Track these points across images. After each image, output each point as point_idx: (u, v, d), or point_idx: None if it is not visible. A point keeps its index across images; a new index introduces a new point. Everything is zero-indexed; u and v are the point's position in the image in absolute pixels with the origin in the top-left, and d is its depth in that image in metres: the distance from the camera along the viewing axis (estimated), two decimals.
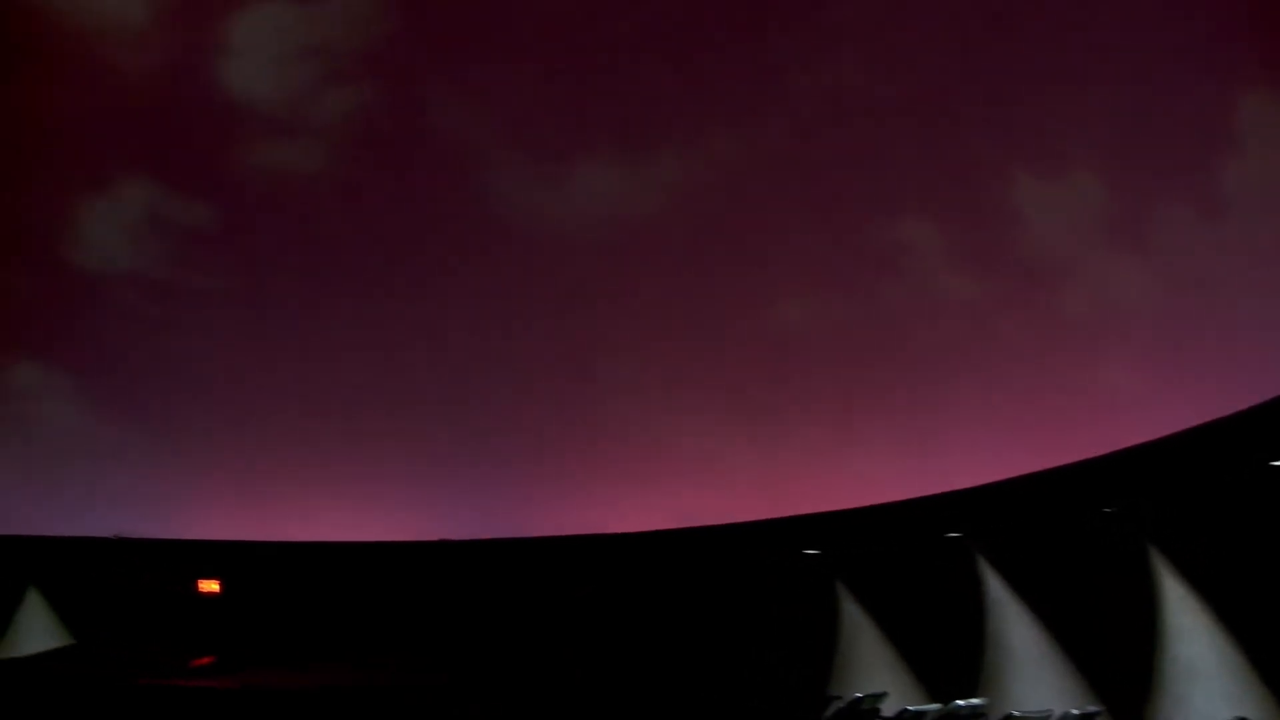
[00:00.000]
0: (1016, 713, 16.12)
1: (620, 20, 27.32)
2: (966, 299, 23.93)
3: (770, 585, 21.25)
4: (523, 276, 26.87)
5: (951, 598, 19.12)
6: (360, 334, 26.66)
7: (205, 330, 26.02)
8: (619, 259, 26.65)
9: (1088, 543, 17.36)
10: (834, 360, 24.52)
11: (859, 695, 18.07)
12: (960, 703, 17.13)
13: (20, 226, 25.49)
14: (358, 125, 26.90)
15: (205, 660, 21.86)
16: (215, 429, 25.48)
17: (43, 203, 25.80)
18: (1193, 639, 15.72)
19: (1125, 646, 16.52)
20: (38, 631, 21.47)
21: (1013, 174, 23.56)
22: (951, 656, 18.84)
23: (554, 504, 24.41)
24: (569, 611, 21.82)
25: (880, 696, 18.14)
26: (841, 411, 24.11)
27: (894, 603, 20.14)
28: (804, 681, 20.10)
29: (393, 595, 22.85)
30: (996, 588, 18.63)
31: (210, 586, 23.12)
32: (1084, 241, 23.20)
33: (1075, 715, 16.04)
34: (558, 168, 26.88)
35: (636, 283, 26.40)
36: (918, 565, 20.02)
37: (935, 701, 18.19)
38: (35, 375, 24.87)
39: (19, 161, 25.49)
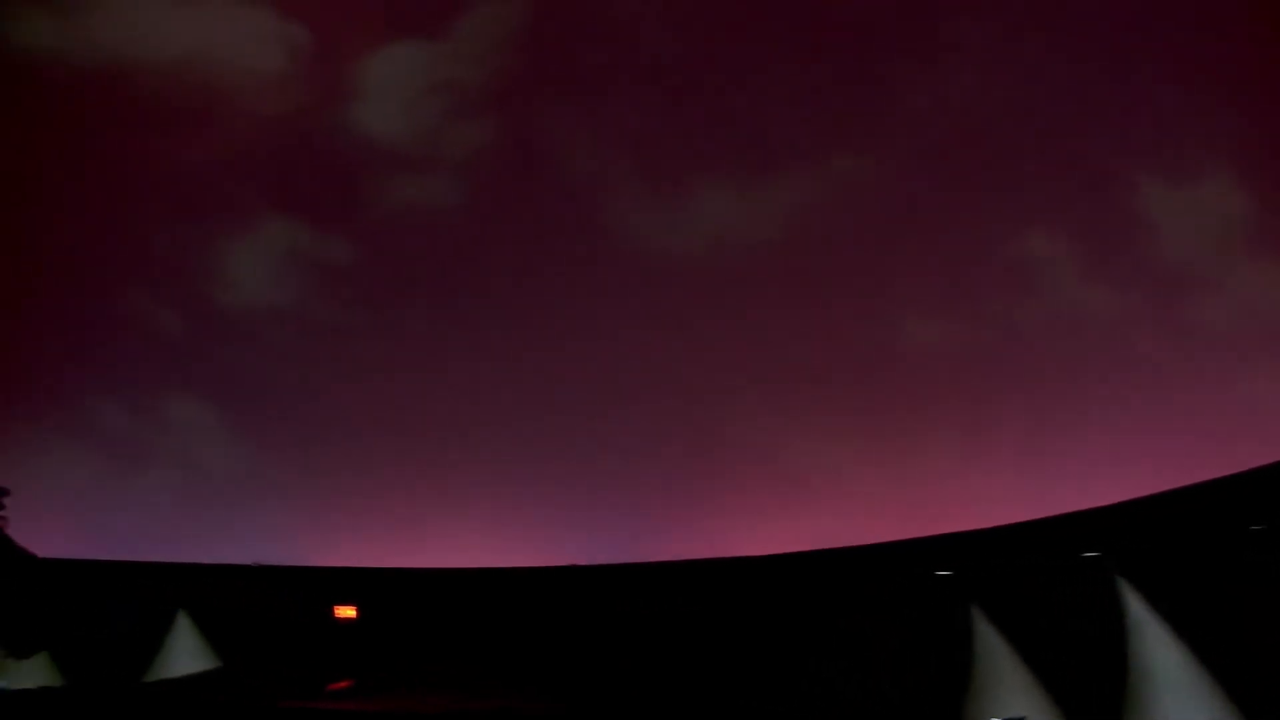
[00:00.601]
0: None
1: (736, 47, 27.39)
2: (1100, 313, 23.16)
3: (902, 607, 20.69)
4: (644, 302, 26.95)
5: (1090, 619, 18.34)
6: (488, 365, 26.99)
7: (342, 361, 26.65)
8: (741, 281, 26.55)
9: (1234, 561, 16.50)
10: (963, 379, 23.94)
11: None
12: None
13: (172, 270, 26.53)
14: (483, 157, 27.47)
15: (343, 684, 22.17)
16: (351, 458, 26.00)
17: (192, 246, 26.88)
18: None
19: (1276, 668, 15.64)
20: (186, 654, 22.15)
21: (1143, 182, 22.81)
22: (1091, 680, 18.07)
23: (681, 529, 24.28)
24: (695, 635, 21.55)
25: None
26: (971, 431, 23.47)
27: (1030, 625, 19.40)
28: (939, 705, 19.47)
29: (523, 619, 22.90)
30: (1138, 609, 17.81)
31: (347, 612, 23.53)
32: (1222, 250, 22.33)
33: None
34: (676, 193, 27.01)
35: (759, 305, 26.24)
36: (1054, 586, 19.27)
37: None
38: (189, 409, 25.70)
39: (169, 209, 26.55)
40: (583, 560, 23.46)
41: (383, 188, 26.82)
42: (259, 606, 23.06)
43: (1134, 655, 17.70)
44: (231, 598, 22.99)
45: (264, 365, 26.26)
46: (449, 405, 26.38)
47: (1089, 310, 23.36)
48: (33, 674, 20.21)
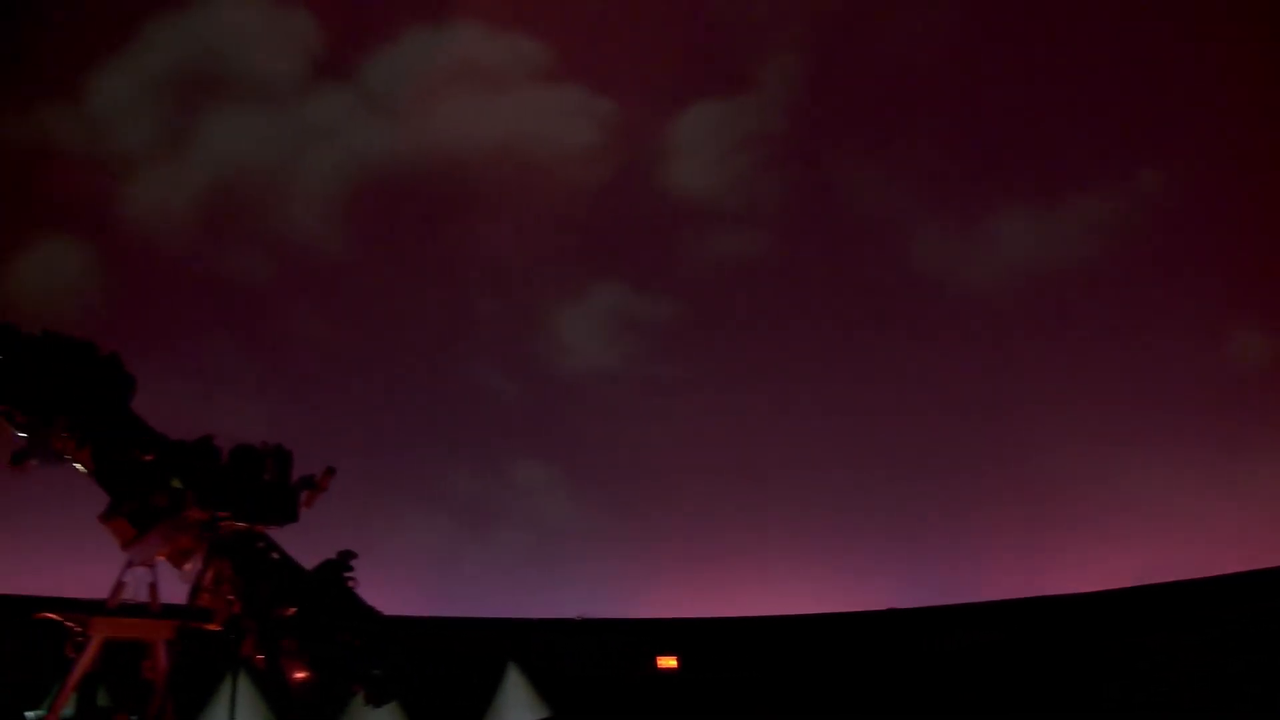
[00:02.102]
0: None
1: (1025, 68, 26.75)
2: None
3: (1249, 648, 19.09)
4: (952, 338, 26.60)
5: None
6: (798, 407, 27.20)
7: (668, 417, 27.45)
8: (1050, 307, 25.87)
9: None
10: None
11: None
12: None
13: (511, 342, 28.08)
14: (786, 204, 27.92)
15: None
16: (672, 510, 26.67)
17: (526, 316, 28.46)
18: None
19: None
20: (519, 705, 23.14)
21: None
22: None
23: (1003, 565, 23.52)
24: (1021, 676, 20.68)
25: None
26: None
27: None
28: None
29: (844, 666, 22.74)
30: None
31: (669, 663, 24.10)
32: None
33: None
34: (975, 223, 26.59)
35: (1072, 329, 25.46)
36: None
37: None
38: (531, 470, 27.08)
39: (503, 286, 28.20)
40: (901, 603, 23.05)
41: (697, 243, 27.65)
42: (584, 659, 23.97)
43: None
44: (558, 650, 23.97)
45: (596, 424, 27.24)
46: (764, 452, 26.65)
47: None
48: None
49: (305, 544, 10.36)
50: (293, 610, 9.60)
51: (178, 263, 26.19)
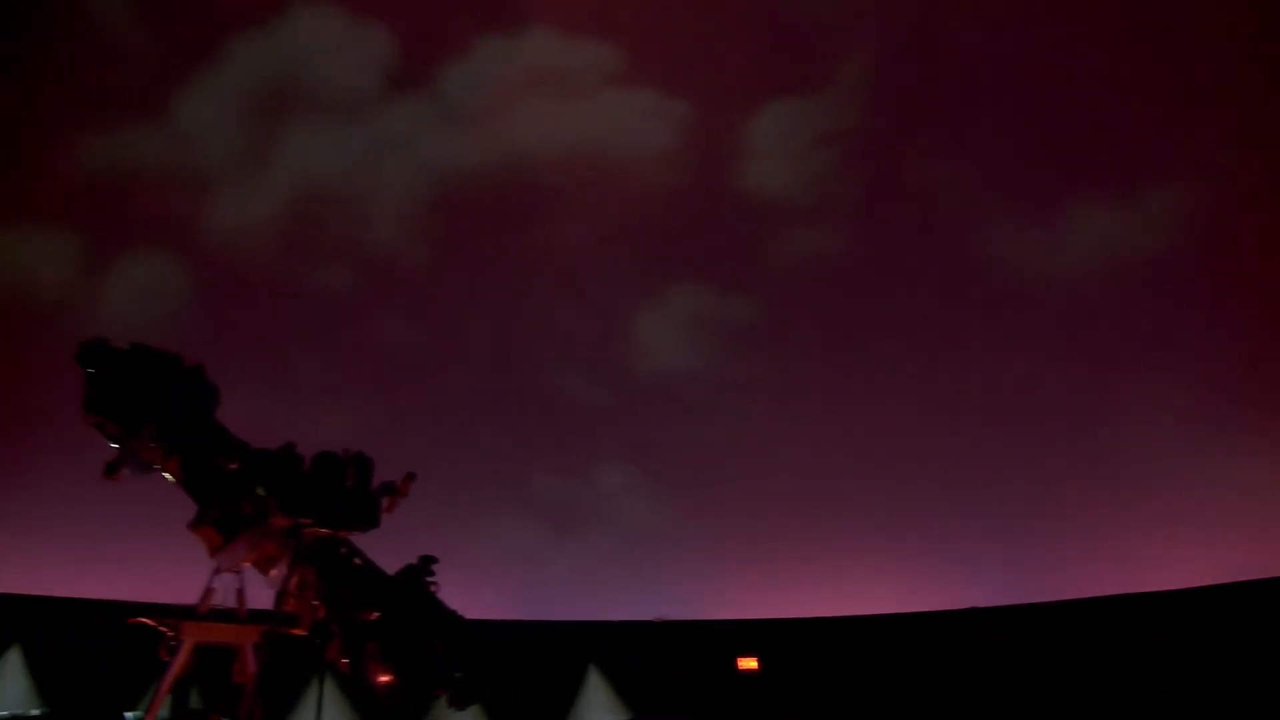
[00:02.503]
0: None
1: (1100, 58, 26.27)
2: None
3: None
4: (1033, 329, 26.25)
5: None
6: (879, 406, 26.97)
7: (747, 418, 27.34)
8: (1130, 297, 25.36)
9: None
10: None
11: None
12: None
13: (593, 347, 28.15)
14: (861, 201, 27.73)
15: None
16: (753, 510, 26.55)
17: (606, 320, 28.53)
18: None
19: None
20: (600, 706, 23.32)
21: None
22: None
23: (1085, 564, 23.10)
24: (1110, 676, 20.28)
25: None
26: None
27: None
28: None
29: (927, 665, 22.51)
30: None
31: (749, 664, 24.00)
32: None
33: None
34: (1052, 213, 26.18)
35: (1153, 320, 24.89)
36: None
37: None
38: (615, 473, 27.12)
39: (584, 291, 28.31)
40: (983, 602, 22.74)
41: (774, 243, 27.55)
42: (665, 660, 23.97)
43: None
44: (639, 652, 24.00)
45: (678, 426, 27.24)
46: (843, 450, 26.47)
47: None
48: None
49: (394, 548, 10.48)
50: (376, 615, 9.71)
51: (263, 274, 26.68)
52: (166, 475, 10.45)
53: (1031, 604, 22.89)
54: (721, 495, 26.08)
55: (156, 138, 25.94)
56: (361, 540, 10.47)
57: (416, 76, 27.13)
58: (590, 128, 26.95)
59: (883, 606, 24.17)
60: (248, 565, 10.60)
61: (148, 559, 19.76)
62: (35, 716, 19.94)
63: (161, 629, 10.40)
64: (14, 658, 20.14)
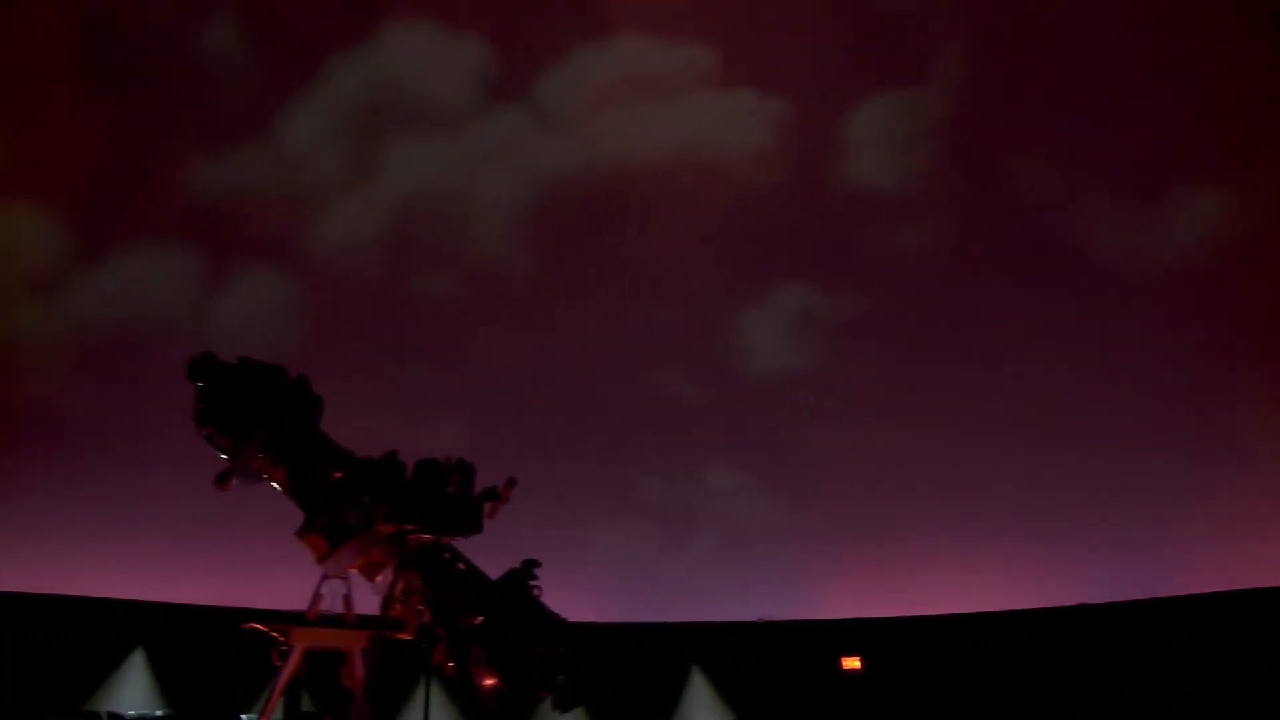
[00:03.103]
0: None
1: (1200, 41, 25.66)
2: None
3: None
4: (1138, 322, 25.63)
5: None
6: (988, 402, 26.57)
7: (851, 415, 27.14)
8: (1236, 284, 24.60)
9: None
10: None
11: None
12: None
13: (696, 348, 28.22)
14: (967, 197, 27.35)
15: None
16: (855, 509, 26.33)
17: (710, 322, 28.58)
18: None
19: None
20: (703, 706, 23.37)
21: None
22: None
23: (1191, 559, 22.46)
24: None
25: None
26: None
27: None
28: None
29: (1034, 662, 22.10)
30: None
31: (853, 664, 23.79)
32: None
33: None
34: (1153, 203, 25.56)
35: (1252, 300, 24.16)
36: None
37: None
38: (726, 475, 27.13)
39: (684, 293, 28.40)
40: (1094, 599, 22.24)
41: (877, 238, 27.34)
42: (768, 660, 23.89)
43: None
44: (742, 653, 23.97)
45: (785, 426, 27.14)
46: (947, 447, 26.11)
47: None
48: None
49: (501, 552, 10.62)
50: (480, 619, 9.85)
51: (369, 286, 27.25)
52: (274, 485, 10.73)
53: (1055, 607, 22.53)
54: (826, 494, 25.88)
55: (263, 159, 26.65)
56: (466, 545, 10.63)
57: (513, 87, 27.46)
58: (687, 129, 27.00)
59: (988, 604, 23.77)
60: (354, 571, 10.82)
61: (258, 566, 20.29)
62: (159, 717, 20.62)
63: (273, 634, 10.68)
64: (138, 660, 20.90)
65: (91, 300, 25.21)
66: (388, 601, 10.14)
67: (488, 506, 10.46)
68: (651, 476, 26.35)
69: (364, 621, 10.87)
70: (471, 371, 26.91)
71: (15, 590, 20.75)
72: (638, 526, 25.98)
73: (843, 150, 27.22)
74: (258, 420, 10.36)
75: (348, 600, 10.93)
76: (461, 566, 10.28)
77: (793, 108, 27.18)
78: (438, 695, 10.20)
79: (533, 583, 10.31)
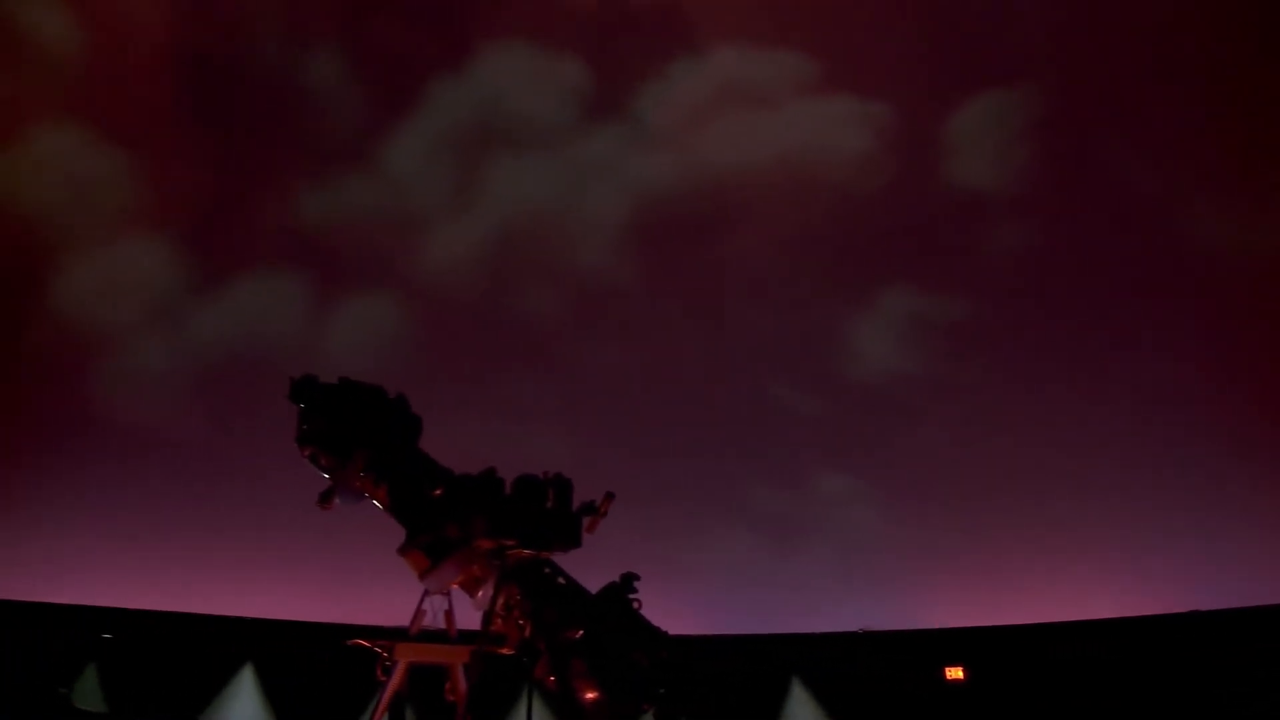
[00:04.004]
0: None
1: None
2: None
3: None
4: (1240, 322, 24.93)
5: None
6: (1098, 404, 26.06)
7: (964, 418, 26.82)
8: None
9: None
10: None
11: None
12: None
13: (805, 356, 28.08)
14: (1075, 195, 26.88)
15: None
16: (957, 514, 25.97)
17: (817, 328, 28.45)
18: None
19: None
20: (803, 718, 23.20)
21: None
22: None
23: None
24: None
25: None
26: None
27: None
28: None
29: (1145, 672, 21.53)
30: None
31: (955, 674, 23.42)
32: None
33: None
34: (1246, 194, 24.90)
35: None
36: None
37: None
38: (840, 483, 27.00)
39: (788, 301, 28.38)
40: (1205, 606, 21.63)
41: (986, 238, 27.04)
42: (870, 671, 23.61)
43: None
44: (843, 663, 23.73)
45: (897, 432, 26.98)
46: (1055, 449, 25.65)
47: None
48: None
49: (609, 565, 10.68)
50: (580, 632, 9.91)
51: (476, 304, 27.71)
52: (376, 503, 10.93)
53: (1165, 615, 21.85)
54: (929, 499, 25.59)
55: (369, 184, 27.33)
56: (569, 560, 10.71)
57: (610, 103, 27.77)
58: (787, 137, 26.99)
59: (1099, 611, 23.22)
60: (455, 587, 10.97)
61: (362, 582, 20.65)
62: None
63: (376, 649, 10.87)
64: (247, 675, 21.46)
65: (208, 328, 26.07)
66: (489, 617, 10.26)
67: (586, 521, 10.53)
68: (759, 486, 26.35)
69: (466, 637, 11.02)
70: (576, 385, 27.17)
71: (137, 608, 21.50)
72: (743, 537, 25.98)
73: (946, 151, 27.00)
74: (359, 440, 10.56)
75: (449, 616, 11.10)
76: (561, 581, 10.36)
77: (894, 110, 27.05)
78: (540, 709, 10.26)
79: (632, 595, 10.36)
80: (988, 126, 27.00)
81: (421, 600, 10.96)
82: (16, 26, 26.46)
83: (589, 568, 10.80)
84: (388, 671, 10.77)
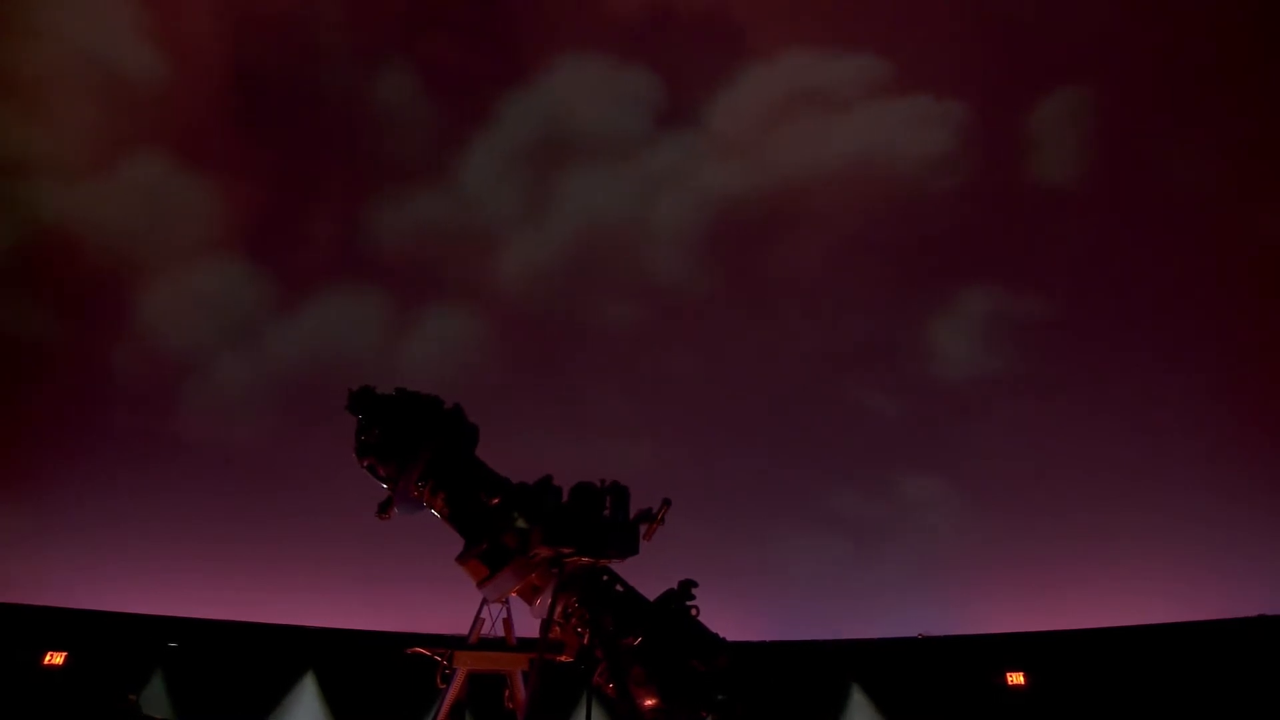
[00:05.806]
0: None
1: None
2: None
3: None
4: None
5: None
6: (1171, 405, 25.74)
7: (1046, 417, 26.56)
8: None
9: None
10: None
11: None
12: None
13: (886, 357, 27.98)
14: (1153, 193, 26.68)
15: None
16: (1020, 517, 25.71)
17: (898, 330, 28.33)
18: None
19: None
20: None
21: None
22: None
23: None
24: None
25: None
26: None
27: None
28: None
29: (1208, 677, 21.19)
30: None
31: (1016, 679, 23.22)
32: None
33: None
34: None
35: None
36: None
37: None
38: (926, 486, 26.86)
39: (870, 300, 28.24)
40: (1272, 610, 21.29)
41: (1066, 235, 26.87)
42: (929, 677, 23.45)
43: None
44: (903, 669, 23.59)
45: (982, 433, 26.80)
46: (1127, 450, 25.36)
47: None
48: None
49: (666, 570, 10.71)
50: (638, 640, 9.94)
51: (552, 315, 27.92)
52: (434, 512, 11.03)
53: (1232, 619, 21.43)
54: (1003, 503, 25.37)
55: (444, 199, 27.69)
56: (623, 568, 10.74)
57: (681, 112, 28.05)
58: (862, 139, 27.10)
59: (1161, 615, 22.91)
60: (513, 595, 11.03)
61: (421, 591, 20.85)
62: None
63: (436, 658, 10.98)
64: (308, 683, 21.77)
65: (290, 346, 26.47)
66: (547, 624, 10.30)
67: (644, 528, 10.56)
68: (841, 492, 26.31)
69: (524, 644, 11.09)
70: (653, 392, 27.26)
71: (203, 617, 21.91)
72: (824, 543, 25.93)
73: (1024, 149, 26.90)
74: (416, 449, 10.65)
75: (508, 624, 11.18)
76: (619, 588, 10.40)
77: (971, 109, 26.96)
78: (598, 716, 10.33)
79: (690, 603, 10.37)
80: (1065, 123, 26.83)
81: (480, 608, 11.05)
82: (105, 60, 27.05)
83: (658, 575, 10.83)
84: (447, 679, 10.88)
